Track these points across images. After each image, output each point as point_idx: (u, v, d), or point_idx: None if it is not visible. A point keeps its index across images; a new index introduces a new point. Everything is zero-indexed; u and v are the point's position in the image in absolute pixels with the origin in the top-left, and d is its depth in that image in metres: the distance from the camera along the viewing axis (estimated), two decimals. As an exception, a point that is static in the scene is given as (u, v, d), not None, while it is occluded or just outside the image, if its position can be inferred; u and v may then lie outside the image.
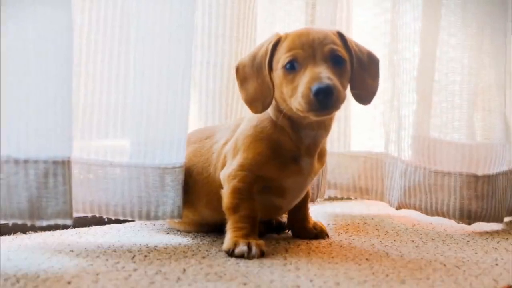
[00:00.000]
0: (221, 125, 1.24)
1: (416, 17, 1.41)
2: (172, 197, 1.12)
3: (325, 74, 0.98)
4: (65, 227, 1.21)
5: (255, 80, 1.07)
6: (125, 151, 1.13)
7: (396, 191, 1.43)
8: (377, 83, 1.12)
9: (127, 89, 1.13)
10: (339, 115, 1.55)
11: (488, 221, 1.36)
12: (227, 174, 1.08)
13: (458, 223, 1.37)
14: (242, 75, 1.09)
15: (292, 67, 1.02)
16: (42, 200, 0.97)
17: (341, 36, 1.07)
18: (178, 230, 1.25)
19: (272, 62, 1.06)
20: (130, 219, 1.14)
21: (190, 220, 1.20)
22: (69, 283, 0.85)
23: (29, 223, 0.96)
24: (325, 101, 0.96)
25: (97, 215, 1.13)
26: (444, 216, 1.37)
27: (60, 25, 0.98)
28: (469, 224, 1.36)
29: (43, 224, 0.98)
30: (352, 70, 1.07)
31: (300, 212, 1.21)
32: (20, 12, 0.95)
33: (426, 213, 1.39)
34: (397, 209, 1.44)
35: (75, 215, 1.17)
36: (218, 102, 1.35)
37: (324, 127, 1.09)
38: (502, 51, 1.41)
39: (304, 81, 0.98)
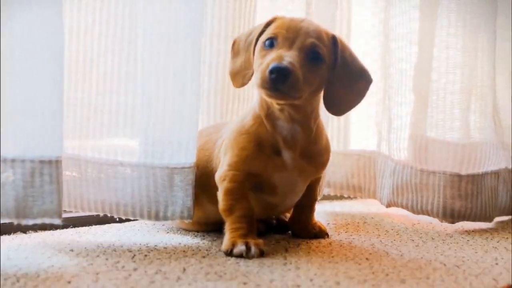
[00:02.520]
0: (229, 122, 1.25)
1: (412, 18, 1.41)
2: (181, 197, 1.13)
3: (288, 58, 0.98)
4: (65, 226, 1.22)
5: (244, 55, 1.10)
6: (135, 150, 1.14)
7: (386, 190, 1.44)
8: (358, 100, 1.11)
9: (136, 88, 1.13)
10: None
11: (473, 220, 1.37)
12: (219, 175, 1.09)
13: (442, 222, 1.38)
14: (236, 48, 1.13)
15: (270, 45, 1.03)
16: (28, 199, 0.96)
17: (333, 40, 1.07)
18: (180, 229, 1.25)
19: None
20: (139, 219, 1.15)
21: (197, 217, 1.19)
22: (69, 282, 0.85)
23: (15, 222, 0.96)
24: (277, 81, 0.96)
25: (108, 215, 1.14)
26: (428, 214, 1.38)
27: (50, 25, 0.98)
28: (453, 223, 1.37)
29: (29, 223, 0.97)
30: (334, 76, 1.06)
31: (303, 212, 1.20)
32: (9, 12, 0.94)
33: (412, 211, 1.40)
34: (387, 207, 1.45)
35: (86, 213, 1.20)
36: (213, 102, 1.35)
37: (298, 122, 1.08)
38: (493, 50, 1.42)
39: (268, 58, 0.99)
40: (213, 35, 1.32)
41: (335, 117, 1.54)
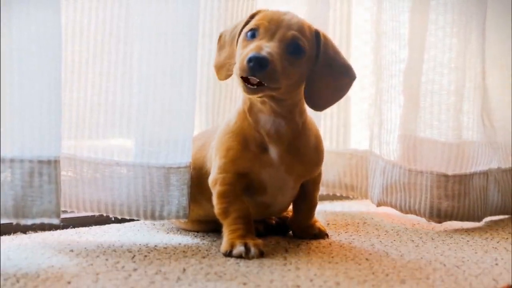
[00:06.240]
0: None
1: (403, 20, 1.42)
2: (177, 197, 1.13)
3: (267, 49, 0.98)
4: (64, 227, 1.22)
5: (228, 47, 1.10)
6: (131, 150, 1.14)
7: (377, 189, 1.45)
8: (339, 96, 1.11)
9: (132, 88, 1.13)
10: (330, 112, 1.55)
11: (461, 220, 1.38)
12: (211, 179, 1.09)
13: (429, 221, 1.39)
14: (222, 42, 1.13)
15: (252, 36, 1.03)
16: (27, 199, 0.97)
17: (316, 34, 1.07)
18: (180, 229, 1.25)
19: None
20: (135, 218, 1.15)
21: (196, 215, 1.19)
22: (69, 282, 0.85)
23: (14, 221, 0.96)
24: (254, 70, 0.96)
25: (104, 214, 1.14)
26: (416, 214, 1.39)
27: (49, 26, 0.98)
28: (439, 222, 1.38)
29: (28, 223, 0.97)
30: (315, 70, 1.05)
31: (303, 213, 1.20)
32: (8, 13, 0.94)
33: (401, 211, 1.41)
34: (377, 206, 1.46)
35: (85, 214, 1.20)
36: (205, 101, 1.35)
37: (281, 116, 1.07)
38: (482, 51, 1.43)
39: (248, 49, 0.99)
40: (205, 35, 1.32)
41: (328, 116, 1.55)
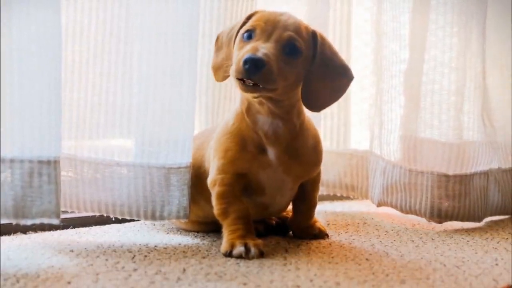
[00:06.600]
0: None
1: (404, 21, 1.42)
2: (177, 197, 1.13)
3: (263, 50, 0.98)
4: (65, 227, 1.22)
5: (226, 49, 1.10)
6: (131, 150, 1.14)
7: (377, 189, 1.45)
8: (336, 97, 1.11)
9: (132, 88, 1.13)
10: (330, 112, 1.55)
11: (462, 220, 1.38)
12: (210, 180, 1.10)
13: (429, 221, 1.39)
14: (219, 43, 1.13)
15: (249, 37, 1.03)
16: (27, 200, 0.97)
17: (313, 35, 1.06)
18: (180, 229, 1.25)
19: None
20: (136, 218, 1.15)
21: (195, 216, 1.19)
22: (69, 283, 0.85)
23: (14, 222, 0.96)
24: (250, 72, 0.96)
25: (104, 215, 1.14)
26: (416, 214, 1.40)
27: (49, 26, 0.98)
28: (440, 223, 1.38)
29: (27, 223, 0.97)
30: (312, 71, 1.05)
31: (303, 214, 1.20)
32: (8, 13, 0.94)
33: (401, 211, 1.41)
34: (377, 206, 1.46)
35: (85, 214, 1.20)
36: (205, 101, 1.35)
37: (279, 117, 1.07)
38: (482, 51, 1.43)
39: (244, 50, 0.99)
40: (204, 34, 1.32)
41: (328, 116, 1.55)
